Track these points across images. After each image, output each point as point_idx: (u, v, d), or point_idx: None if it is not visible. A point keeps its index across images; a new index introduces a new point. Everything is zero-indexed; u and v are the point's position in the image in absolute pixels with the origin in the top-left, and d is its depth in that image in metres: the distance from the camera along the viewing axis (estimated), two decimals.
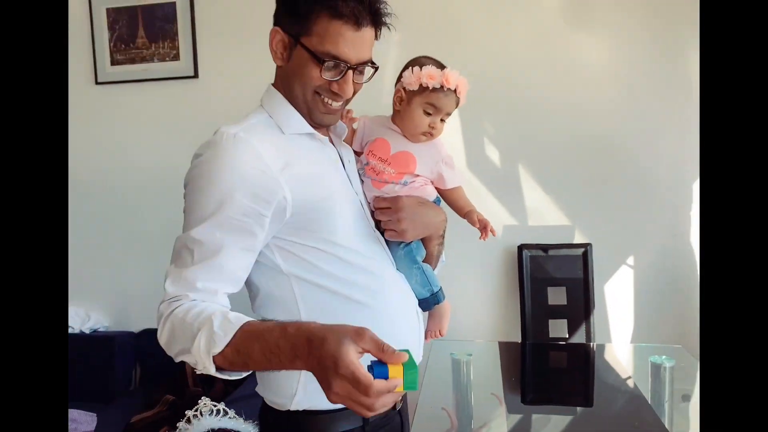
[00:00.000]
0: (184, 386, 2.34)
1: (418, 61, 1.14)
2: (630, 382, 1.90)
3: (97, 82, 2.58)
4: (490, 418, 1.67)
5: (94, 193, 2.63)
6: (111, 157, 2.63)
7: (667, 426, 1.49)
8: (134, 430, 2.14)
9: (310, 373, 0.84)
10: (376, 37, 1.02)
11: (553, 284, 2.31)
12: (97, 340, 2.56)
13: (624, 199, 2.31)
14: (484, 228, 1.15)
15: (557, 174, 2.35)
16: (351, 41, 0.96)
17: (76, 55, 2.57)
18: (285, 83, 1.05)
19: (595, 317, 2.27)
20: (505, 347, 2.20)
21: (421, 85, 1.10)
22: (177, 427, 0.98)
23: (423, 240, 1.15)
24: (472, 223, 1.17)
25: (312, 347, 0.77)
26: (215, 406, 0.97)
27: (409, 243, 1.12)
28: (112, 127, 2.61)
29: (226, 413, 0.97)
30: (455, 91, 1.10)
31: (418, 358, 1.15)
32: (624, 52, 2.27)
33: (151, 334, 2.57)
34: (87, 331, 2.61)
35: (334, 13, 0.94)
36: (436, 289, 1.14)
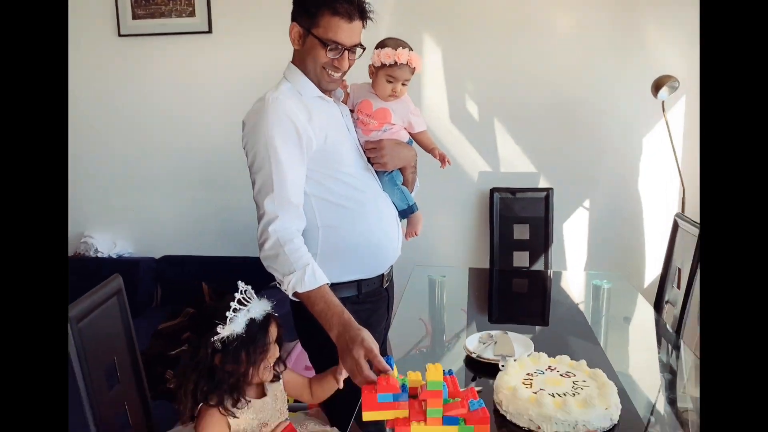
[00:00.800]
0: (201, 301, 2.73)
1: (381, 44, 1.53)
2: (581, 306, 2.18)
3: (119, 35, 2.86)
4: (459, 330, 1.99)
5: (119, 134, 2.95)
6: (133, 101, 2.92)
7: (601, 343, 1.73)
8: (162, 335, 2.54)
9: (323, 259, 1.41)
10: (363, 27, 1.43)
11: (518, 222, 2.69)
12: (123, 263, 2.91)
13: (582, 150, 2.67)
14: (442, 159, 1.60)
15: (527, 128, 2.69)
16: (346, 30, 1.37)
17: (100, 9, 2.84)
18: (301, 61, 1.45)
19: (553, 250, 2.66)
20: (475, 272, 2.57)
21: (381, 62, 1.50)
22: (230, 307, 1.22)
23: (401, 169, 1.58)
24: (434, 156, 1.61)
25: (351, 328, 1.25)
26: (254, 291, 1.26)
27: (391, 171, 1.56)
28: (134, 75, 2.90)
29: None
30: (407, 64, 1.49)
31: (397, 251, 1.59)
32: (587, 25, 2.59)
33: (170, 259, 2.96)
34: (114, 256, 2.97)
35: (334, 12, 1.36)
36: (411, 203, 1.59)
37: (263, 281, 2.57)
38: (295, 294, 1.34)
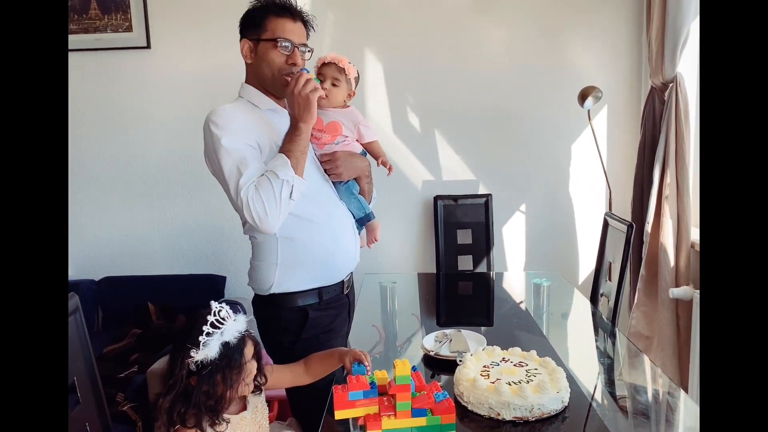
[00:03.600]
0: (148, 321, 2.66)
1: None
2: (523, 304, 2.29)
3: None
4: (411, 334, 2.06)
5: None
6: (69, 119, 2.83)
7: (545, 333, 1.88)
8: (108, 359, 2.45)
9: (283, 269, 1.43)
10: (307, 33, 1.52)
11: (461, 227, 2.82)
12: None
13: (518, 158, 2.84)
14: (384, 165, 1.68)
15: (466, 138, 2.83)
16: (291, 29, 1.47)
17: None
18: (256, 74, 1.51)
19: (495, 252, 2.80)
20: (423, 277, 2.67)
21: (316, 66, 1.62)
22: (203, 332, 1.16)
23: (356, 179, 1.65)
24: (378, 164, 1.69)
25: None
26: (229, 309, 1.21)
27: (347, 181, 1.62)
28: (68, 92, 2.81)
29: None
30: (335, 63, 1.60)
31: (355, 259, 1.64)
32: (518, 38, 2.76)
33: (111, 280, 2.87)
34: None
35: (277, 14, 1.46)
36: (368, 211, 1.66)
37: (212, 298, 2.53)
38: (297, 174, 1.39)
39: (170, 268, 2.91)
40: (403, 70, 2.77)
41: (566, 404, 1.30)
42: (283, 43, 1.45)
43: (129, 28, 2.75)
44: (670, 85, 2.38)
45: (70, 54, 2.77)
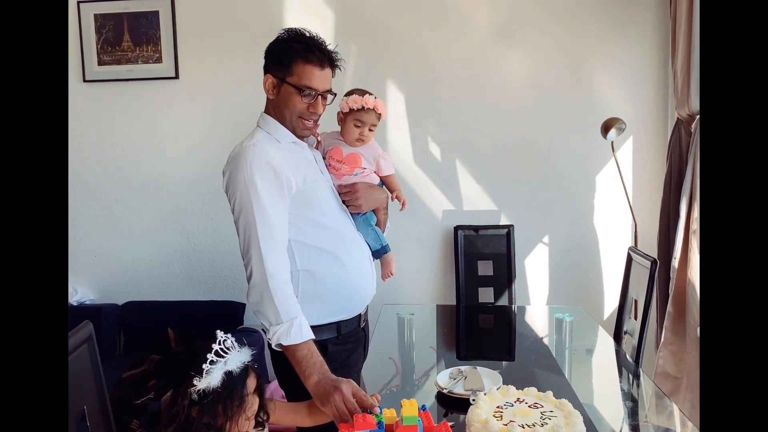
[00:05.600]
0: (167, 347, 2.67)
1: (349, 93, 1.64)
2: (546, 339, 2.24)
3: (84, 80, 2.87)
4: (429, 367, 2.03)
5: (80, 179, 2.92)
6: (96, 146, 2.92)
7: (566, 374, 1.80)
8: (126, 384, 2.47)
9: (302, 303, 1.42)
10: (333, 75, 1.52)
11: (482, 258, 2.77)
12: (84, 311, 2.83)
13: (540, 188, 2.80)
14: (401, 202, 1.70)
15: (487, 168, 2.81)
16: (318, 77, 1.46)
17: None
18: (276, 110, 1.52)
19: (516, 285, 2.75)
20: (442, 309, 2.63)
21: (349, 108, 1.59)
22: (207, 359, 1.17)
23: (373, 210, 1.65)
24: (392, 198, 1.70)
25: (332, 375, 1.32)
26: (234, 340, 1.21)
27: (365, 213, 1.63)
28: (98, 120, 2.90)
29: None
30: (374, 109, 1.59)
31: (373, 290, 1.64)
32: (539, 68, 2.75)
33: (133, 305, 2.91)
34: (75, 304, 2.90)
35: (307, 60, 1.44)
36: (384, 243, 1.66)
37: (231, 325, 2.52)
38: (279, 345, 1.37)
39: (191, 294, 2.94)
40: (424, 99, 2.78)
41: None
42: (308, 92, 1.45)
43: (159, 60, 2.84)
44: (697, 116, 2.33)
45: (103, 84, 2.87)
